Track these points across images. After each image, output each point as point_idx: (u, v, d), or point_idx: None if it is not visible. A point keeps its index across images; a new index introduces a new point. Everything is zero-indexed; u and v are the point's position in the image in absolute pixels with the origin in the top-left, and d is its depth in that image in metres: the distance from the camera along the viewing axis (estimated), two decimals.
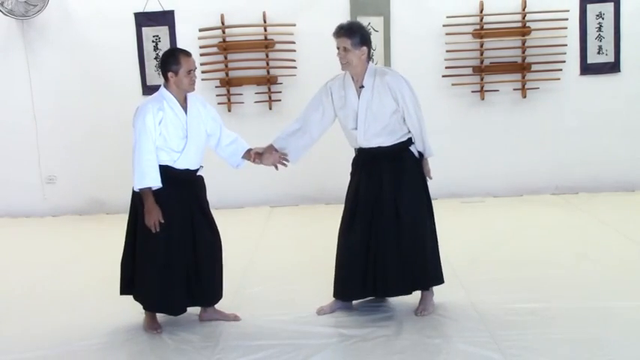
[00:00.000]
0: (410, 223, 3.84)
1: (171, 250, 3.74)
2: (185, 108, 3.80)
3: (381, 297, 4.02)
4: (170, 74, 3.72)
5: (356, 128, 3.82)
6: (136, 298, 3.89)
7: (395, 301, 4.04)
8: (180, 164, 3.77)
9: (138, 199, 3.74)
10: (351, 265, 3.88)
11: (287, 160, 4.01)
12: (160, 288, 3.75)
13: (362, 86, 3.80)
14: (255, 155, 4.05)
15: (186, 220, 3.80)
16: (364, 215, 3.85)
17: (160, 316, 3.94)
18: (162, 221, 3.68)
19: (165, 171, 3.71)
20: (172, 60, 3.72)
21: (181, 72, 3.70)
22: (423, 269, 3.89)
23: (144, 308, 3.88)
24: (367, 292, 3.96)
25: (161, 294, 3.77)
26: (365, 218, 3.85)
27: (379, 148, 3.82)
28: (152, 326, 3.87)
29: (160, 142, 3.70)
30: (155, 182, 3.66)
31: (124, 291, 3.96)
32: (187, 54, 3.76)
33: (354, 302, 4.11)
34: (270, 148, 4.04)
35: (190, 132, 3.78)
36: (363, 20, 6.59)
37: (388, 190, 3.82)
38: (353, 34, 3.73)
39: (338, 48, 3.76)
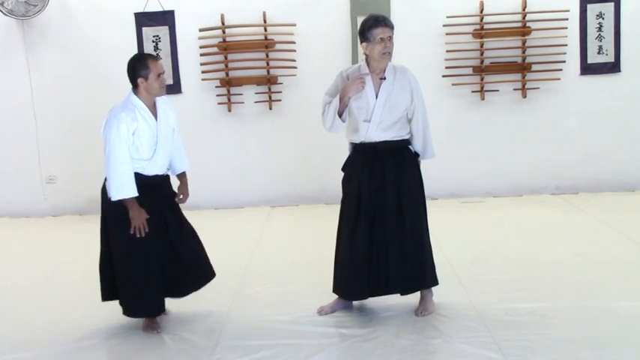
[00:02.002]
0: (411, 221, 3.85)
1: (147, 251, 3.74)
2: (155, 114, 3.81)
3: (382, 294, 3.98)
4: (140, 80, 3.71)
5: (369, 120, 3.80)
6: (120, 303, 3.90)
7: (395, 301, 4.04)
8: (149, 171, 3.80)
9: (108, 206, 3.76)
10: (357, 264, 3.86)
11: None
12: (141, 293, 3.77)
13: (383, 78, 3.81)
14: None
15: (159, 221, 3.81)
16: (367, 213, 3.84)
17: (159, 317, 3.95)
18: (148, 216, 3.71)
19: (135, 178, 3.71)
20: (141, 65, 3.71)
21: (151, 76, 3.70)
22: (423, 268, 3.90)
23: (126, 314, 3.87)
24: (371, 292, 3.94)
25: (143, 298, 3.80)
26: (368, 216, 3.84)
27: (385, 142, 3.83)
28: (151, 326, 3.88)
29: (132, 151, 3.70)
30: (133, 192, 3.67)
31: (106, 296, 3.94)
32: (155, 58, 3.81)
33: (354, 302, 4.11)
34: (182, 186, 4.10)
35: (160, 138, 3.80)
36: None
37: (391, 187, 3.82)
38: (393, 25, 3.78)
39: (382, 39, 3.71)
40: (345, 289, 3.99)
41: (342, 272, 3.96)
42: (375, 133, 3.82)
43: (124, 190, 3.65)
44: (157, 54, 6.88)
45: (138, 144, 3.70)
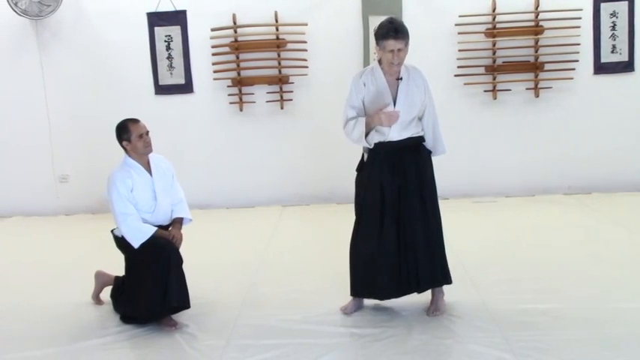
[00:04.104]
0: (432, 215, 3.88)
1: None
2: (150, 170, 4.07)
3: (412, 292, 3.95)
4: (125, 143, 4.02)
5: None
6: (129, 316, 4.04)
7: (406, 300, 4.02)
8: (153, 222, 4.04)
9: (121, 245, 4.05)
10: (388, 265, 3.83)
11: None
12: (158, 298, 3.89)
13: (400, 78, 3.81)
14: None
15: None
16: (392, 212, 3.82)
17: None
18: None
19: None
20: (122, 130, 4.02)
21: (133, 138, 3.98)
22: (443, 263, 3.94)
23: (145, 317, 3.96)
24: (401, 290, 3.92)
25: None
26: (393, 215, 3.82)
27: (407, 139, 3.84)
28: (169, 323, 3.93)
29: (134, 206, 3.99)
30: (150, 230, 3.94)
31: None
32: (135, 121, 4.04)
33: (364, 302, 4.10)
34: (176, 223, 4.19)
35: (158, 192, 4.07)
36: (375, 20, 6.58)
37: (413, 184, 3.82)
38: (407, 34, 3.75)
39: (392, 50, 3.70)
40: (374, 290, 3.93)
41: (367, 273, 3.90)
42: (397, 133, 3.81)
43: (141, 234, 3.92)
44: (170, 54, 6.92)
45: (138, 198, 3.99)
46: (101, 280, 4.40)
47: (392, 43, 3.69)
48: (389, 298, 4.00)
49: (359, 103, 3.83)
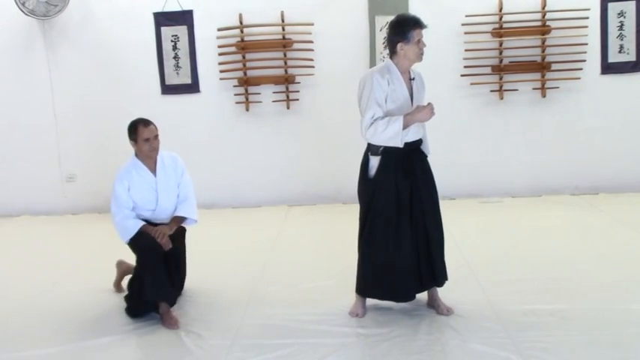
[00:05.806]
0: (438, 213, 3.92)
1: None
2: (155, 170, 4.13)
3: (427, 289, 3.98)
4: (132, 143, 4.15)
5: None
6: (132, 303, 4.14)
7: (412, 300, 4.02)
8: (155, 219, 4.17)
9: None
10: (407, 266, 3.82)
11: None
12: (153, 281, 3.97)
13: (413, 78, 3.85)
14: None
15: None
16: (406, 212, 3.81)
17: (177, 314, 4.01)
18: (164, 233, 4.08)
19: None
20: (132, 130, 4.12)
21: (140, 140, 4.08)
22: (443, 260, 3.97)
23: (150, 299, 4.01)
24: (419, 289, 3.95)
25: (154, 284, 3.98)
26: (407, 214, 3.82)
27: (417, 141, 3.88)
28: (170, 321, 3.94)
29: (133, 204, 4.12)
30: (137, 225, 4.05)
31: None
32: (146, 123, 4.10)
33: (367, 301, 4.08)
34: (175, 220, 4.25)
35: (160, 193, 4.15)
36: (381, 19, 6.58)
37: (423, 182, 3.85)
38: None
39: (419, 40, 3.75)
40: (394, 293, 3.92)
41: (387, 276, 3.86)
42: (413, 134, 3.82)
43: (128, 230, 4.04)
44: (176, 54, 6.93)
45: (136, 197, 4.10)
46: (121, 268, 4.52)
47: (420, 32, 3.75)
48: (409, 300, 3.97)
49: (383, 102, 3.75)
